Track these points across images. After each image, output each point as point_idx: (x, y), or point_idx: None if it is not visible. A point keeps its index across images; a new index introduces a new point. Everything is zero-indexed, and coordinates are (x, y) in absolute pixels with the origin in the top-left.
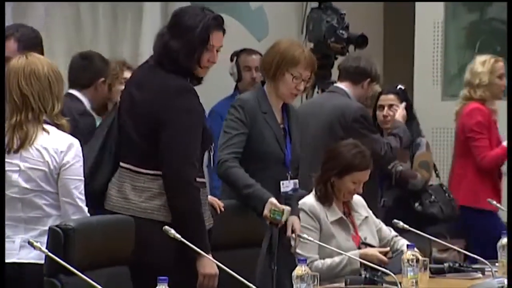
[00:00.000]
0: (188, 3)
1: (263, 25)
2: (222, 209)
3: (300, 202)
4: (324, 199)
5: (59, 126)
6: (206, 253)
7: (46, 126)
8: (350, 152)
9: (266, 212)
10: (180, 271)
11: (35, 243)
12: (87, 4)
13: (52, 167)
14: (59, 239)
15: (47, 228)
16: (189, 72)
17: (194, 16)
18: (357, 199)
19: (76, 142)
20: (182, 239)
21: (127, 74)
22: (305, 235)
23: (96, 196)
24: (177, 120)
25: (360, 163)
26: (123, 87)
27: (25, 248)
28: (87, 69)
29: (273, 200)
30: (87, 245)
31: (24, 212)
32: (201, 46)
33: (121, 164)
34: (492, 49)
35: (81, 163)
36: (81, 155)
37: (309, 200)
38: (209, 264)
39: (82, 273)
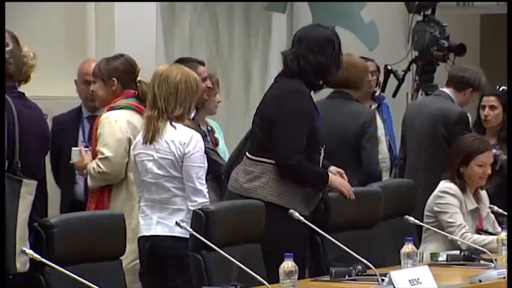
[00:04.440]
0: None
1: (374, 36)
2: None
3: (445, 186)
4: (462, 189)
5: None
6: (323, 188)
7: (174, 123)
8: (468, 141)
9: None
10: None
11: (181, 224)
12: (225, 22)
13: (177, 156)
14: (202, 220)
15: (176, 207)
16: (325, 81)
17: (324, 32)
18: (483, 193)
19: (196, 135)
20: (305, 221)
21: None
22: None
23: None
24: (286, 118)
25: (479, 147)
26: None
27: (160, 224)
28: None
29: None
30: (224, 225)
31: (158, 194)
32: (339, 53)
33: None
34: None
35: (201, 152)
36: (201, 146)
37: (454, 187)
38: (333, 180)
39: (220, 250)
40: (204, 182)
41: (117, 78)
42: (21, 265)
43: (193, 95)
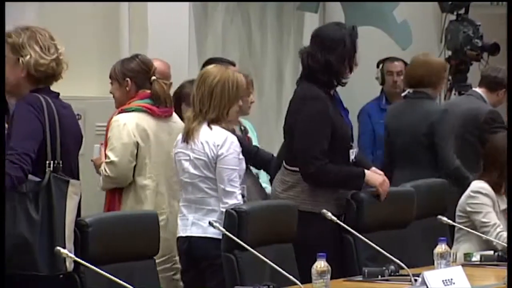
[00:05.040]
0: (342, 18)
1: (407, 35)
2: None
3: (477, 186)
4: (496, 189)
5: None
6: (360, 187)
7: (211, 125)
8: (506, 140)
9: None
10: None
11: (215, 224)
12: (257, 22)
13: (210, 157)
14: (234, 220)
15: (210, 207)
16: (337, 80)
17: (338, 31)
18: None
19: (231, 137)
20: (338, 221)
21: None
22: None
23: None
24: (300, 126)
25: None
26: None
27: (195, 225)
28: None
29: None
30: (257, 225)
31: (193, 194)
32: (353, 53)
33: None
34: None
35: (235, 155)
36: (236, 148)
37: (487, 186)
38: (370, 179)
39: (253, 249)
40: (236, 184)
41: (130, 78)
42: (70, 264)
43: (231, 99)
